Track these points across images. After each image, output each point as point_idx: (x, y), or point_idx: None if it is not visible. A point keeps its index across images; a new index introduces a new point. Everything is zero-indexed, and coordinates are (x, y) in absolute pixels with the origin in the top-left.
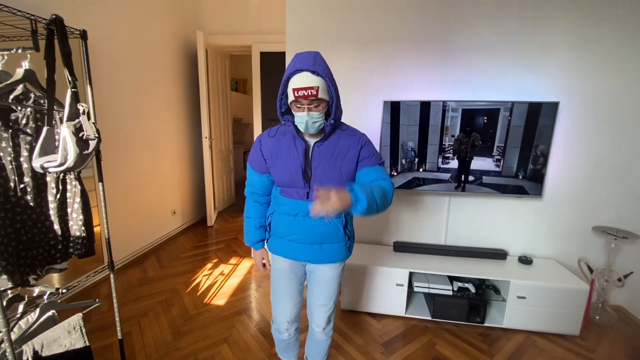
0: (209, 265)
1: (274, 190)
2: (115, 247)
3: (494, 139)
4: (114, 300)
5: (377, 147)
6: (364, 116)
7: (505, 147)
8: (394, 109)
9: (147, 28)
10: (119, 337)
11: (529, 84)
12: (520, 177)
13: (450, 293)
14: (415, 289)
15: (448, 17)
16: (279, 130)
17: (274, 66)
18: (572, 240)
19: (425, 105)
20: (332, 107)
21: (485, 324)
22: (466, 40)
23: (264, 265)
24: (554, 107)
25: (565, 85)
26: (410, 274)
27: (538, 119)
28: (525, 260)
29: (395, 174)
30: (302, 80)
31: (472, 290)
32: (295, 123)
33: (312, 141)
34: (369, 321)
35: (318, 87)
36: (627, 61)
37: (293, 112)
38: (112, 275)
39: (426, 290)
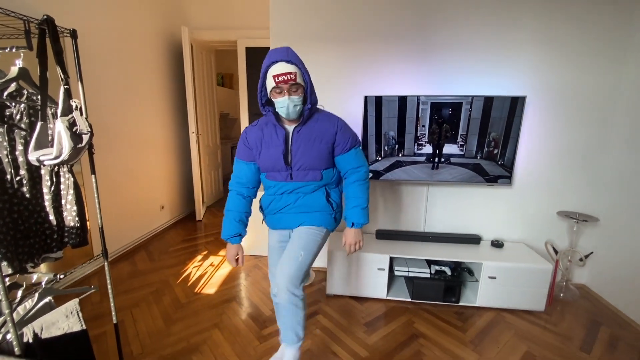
0: (199, 257)
1: (262, 176)
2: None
3: (458, 128)
4: (109, 286)
5: (361, 136)
6: (346, 109)
7: (467, 134)
8: (377, 103)
9: (132, 25)
10: (114, 322)
11: (499, 79)
12: (478, 157)
13: (428, 276)
14: (396, 273)
15: (423, 16)
16: (260, 121)
17: (260, 61)
18: (539, 225)
19: (402, 100)
20: (307, 93)
21: (460, 304)
22: (440, 38)
23: (236, 261)
24: (521, 101)
25: (532, 80)
26: (391, 259)
27: (501, 111)
28: (496, 244)
29: (379, 158)
30: (281, 68)
31: (448, 272)
32: (277, 110)
33: (291, 128)
34: (353, 304)
35: (295, 72)
36: (588, 57)
37: (273, 100)
38: (106, 262)
39: (406, 274)
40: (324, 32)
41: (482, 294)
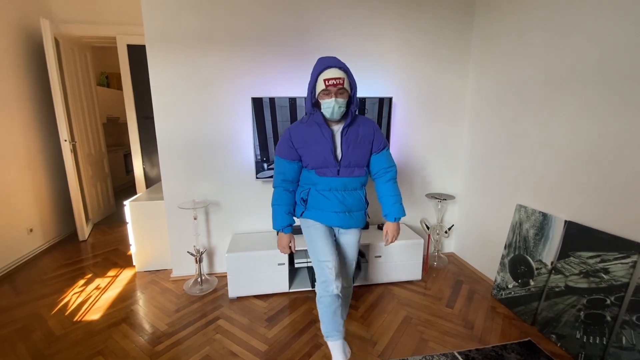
0: (81, 282)
1: (306, 172)
2: None
3: None
4: None
5: (257, 140)
6: (232, 112)
7: None
8: (271, 106)
9: None
10: None
11: (371, 82)
12: None
13: None
14: (296, 265)
15: (301, 22)
16: (308, 119)
17: (146, 60)
18: (414, 206)
19: (292, 105)
20: (353, 99)
21: (355, 284)
22: (319, 44)
23: (290, 248)
24: (388, 101)
25: (396, 83)
26: (291, 253)
27: (373, 112)
28: (381, 227)
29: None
30: (332, 73)
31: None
32: (323, 110)
33: (336, 127)
34: (256, 302)
35: (344, 78)
36: (438, 62)
37: (321, 101)
38: None
39: (305, 265)
40: (203, 32)
41: (371, 273)
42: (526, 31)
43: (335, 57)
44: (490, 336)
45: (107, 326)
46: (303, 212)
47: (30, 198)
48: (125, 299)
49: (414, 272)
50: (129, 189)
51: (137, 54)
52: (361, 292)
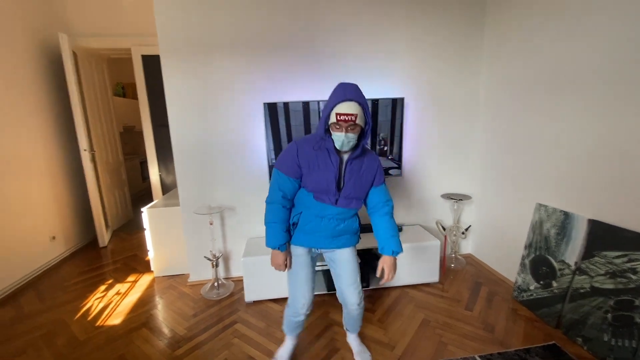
0: (102, 287)
1: (302, 194)
2: None
3: None
4: None
5: (271, 146)
6: (245, 118)
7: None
8: (285, 111)
9: None
10: None
11: (383, 83)
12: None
13: None
14: None
15: (313, 28)
16: (311, 141)
17: (160, 69)
18: (429, 207)
19: (306, 109)
20: (367, 132)
21: (370, 287)
22: (330, 47)
23: (285, 265)
24: (400, 101)
25: (408, 84)
26: None
27: (386, 113)
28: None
29: None
30: (346, 108)
31: (358, 260)
32: (333, 139)
33: (344, 156)
34: (272, 306)
35: (357, 114)
36: (449, 63)
37: (332, 131)
38: None
39: (321, 268)
40: (216, 41)
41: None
42: (540, 27)
43: (354, 88)
44: (512, 339)
45: (128, 331)
46: (291, 236)
47: (52, 206)
48: (144, 304)
49: (431, 274)
50: (145, 196)
51: (152, 64)
52: (377, 295)
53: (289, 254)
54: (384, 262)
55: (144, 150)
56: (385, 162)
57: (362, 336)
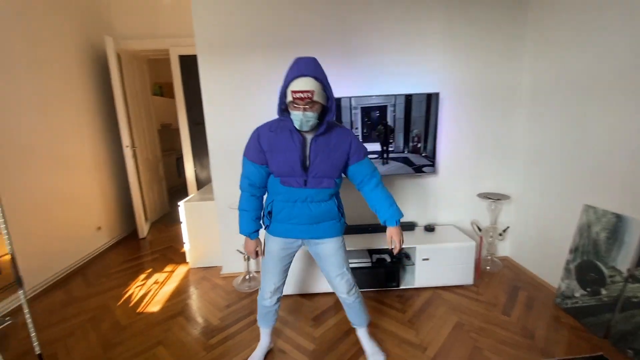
0: (142, 276)
1: (272, 180)
2: (33, 269)
3: (390, 127)
4: (26, 316)
5: None
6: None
7: (395, 132)
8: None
9: (45, 37)
10: (37, 352)
11: (416, 78)
12: (405, 152)
13: (370, 265)
14: None
15: (345, 22)
16: (273, 125)
17: (197, 68)
18: (464, 207)
19: (337, 106)
20: (331, 108)
21: (400, 287)
22: (361, 42)
23: (256, 253)
24: (435, 96)
25: (444, 78)
26: None
27: (419, 109)
28: (429, 229)
29: None
30: (301, 84)
31: (388, 259)
32: (292, 119)
33: (308, 135)
34: (302, 301)
35: (314, 91)
36: (489, 55)
37: (290, 111)
38: (21, 291)
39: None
40: (249, 39)
41: (418, 276)
42: (591, 18)
43: (310, 61)
44: (554, 348)
45: (165, 318)
46: (268, 226)
47: (98, 199)
48: (180, 294)
49: (465, 276)
50: (181, 191)
51: (188, 64)
52: (408, 295)
53: (259, 242)
54: (391, 233)
55: (180, 146)
56: (418, 160)
57: (391, 335)
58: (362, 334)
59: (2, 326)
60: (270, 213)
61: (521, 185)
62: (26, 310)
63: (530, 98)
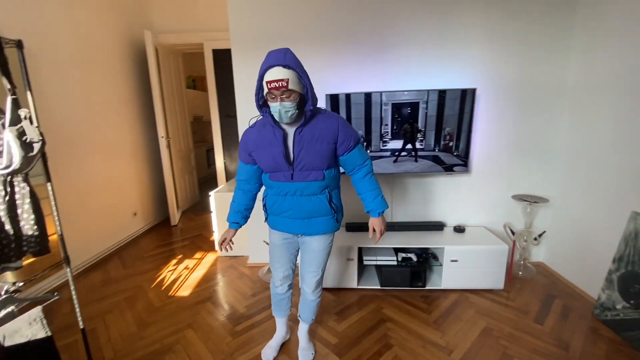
0: (174, 261)
1: (264, 175)
2: (75, 250)
3: (418, 124)
4: (72, 292)
5: None
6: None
7: (426, 130)
8: (347, 104)
9: (90, 32)
10: (81, 327)
11: (451, 73)
12: (436, 150)
13: (395, 263)
14: (365, 263)
15: (378, 14)
16: (257, 123)
17: (229, 62)
18: (497, 208)
19: (367, 102)
20: (307, 96)
21: (426, 287)
22: (396, 36)
23: (223, 240)
24: (471, 92)
25: (481, 73)
26: (360, 249)
27: (453, 106)
28: (459, 229)
29: None
30: (274, 74)
31: (414, 259)
32: (272, 113)
33: (291, 128)
34: (326, 295)
35: (288, 79)
36: (532, 50)
37: (269, 104)
38: (68, 269)
39: (374, 263)
40: (282, 33)
41: (446, 277)
42: None
43: (282, 51)
44: None
45: (195, 303)
46: (267, 218)
47: (134, 186)
48: (208, 280)
49: (496, 280)
50: (210, 181)
51: (221, 58)
52: (435, 296)
53: (230, 234)
54: (373, 224)
55: (211, 138)
56: (449, 159)
57: (415, 334)
58: (303, 328)
59: (50, 301)
60: (265, 206)
61: (560, 187)
62: (72, 287)
63: (576, 96)
